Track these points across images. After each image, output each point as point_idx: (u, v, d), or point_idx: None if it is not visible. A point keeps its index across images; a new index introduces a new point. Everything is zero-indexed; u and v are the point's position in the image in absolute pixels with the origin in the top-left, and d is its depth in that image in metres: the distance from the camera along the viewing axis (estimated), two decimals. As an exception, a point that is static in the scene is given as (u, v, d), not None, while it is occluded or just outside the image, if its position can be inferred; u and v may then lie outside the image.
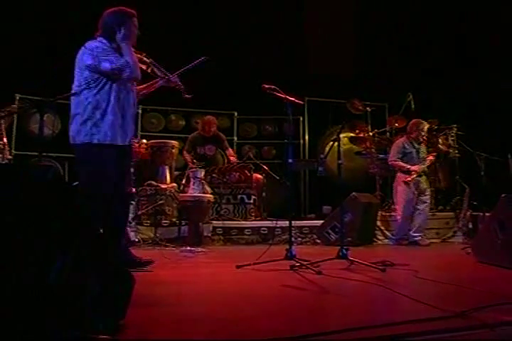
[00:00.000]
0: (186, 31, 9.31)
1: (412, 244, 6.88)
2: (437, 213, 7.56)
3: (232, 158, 7.99)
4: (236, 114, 10.02)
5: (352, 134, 8.69)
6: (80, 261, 1.86)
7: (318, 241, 6.94)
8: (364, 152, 8.23)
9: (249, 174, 7.64)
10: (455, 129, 8.17)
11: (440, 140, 8.23)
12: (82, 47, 3.96)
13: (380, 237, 7.29)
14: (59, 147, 7.91)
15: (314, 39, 10.08)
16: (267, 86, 4.38)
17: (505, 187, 6.04)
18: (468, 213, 7.00)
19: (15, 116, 6.98)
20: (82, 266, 1.88)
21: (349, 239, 6.24)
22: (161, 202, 6.78)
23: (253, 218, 7.45)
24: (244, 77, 9.05)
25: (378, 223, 7.31)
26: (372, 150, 8.15)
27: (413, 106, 8.18)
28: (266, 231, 7.11)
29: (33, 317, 1.69)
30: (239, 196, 7.54)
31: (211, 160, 7.93)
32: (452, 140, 8.23)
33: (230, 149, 8.20)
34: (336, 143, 4.73)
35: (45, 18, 8.10)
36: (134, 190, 6.74)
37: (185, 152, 7.94)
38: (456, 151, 8.16)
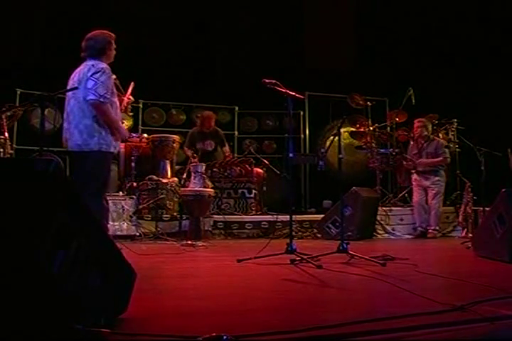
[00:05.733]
0: (186, 29, 9.30)
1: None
2: (437, 207, 7.56)
3: (227, 155, 8.00)
4: (237, 108, 10.01)
5: (352, 129, 8.70)
6: (81, 255, 1.87)
7: (319, 235, 6.96)
8: (364, 146, 8.23)
9: (249, 168, 7.64)
10: (455, 124, 8.17)
11: (440, 134, 8.24)
12: None
13: (380, 231, 7.31)
14: (60, 142, 7.94)
15: (314, 34, 10.06)
16: (267, 80, 4.38)
17: (506, 181, 6.06)
18: (468, 208, 7.00)
19: (18, 114, 6.97)
20: (83, 260, 1.89)
21: (349, 233, 6.26)
22: (162, 196, 6.79)
23: (254, 212, 7.47)
24: (245, 72, 9.04)
25: (378, 217, 7.33)
26: (373, 144, 8.15)
27: (414, 100, 8.16)
28: (266, 226, 7.13)
29: (34, 313, 1.70)
30: (239, 190, 7.55)
31: (211, 155, 7.94)
32: (452, 134, 8.24)
33: (227, 146, 8.18)
34: (337, 138, 4.74)
35: (46, 15, 8.08)
36: (134, 184, 6.76)
37: (185, 148, 7.95)
38: (457, 146, 8.17)
